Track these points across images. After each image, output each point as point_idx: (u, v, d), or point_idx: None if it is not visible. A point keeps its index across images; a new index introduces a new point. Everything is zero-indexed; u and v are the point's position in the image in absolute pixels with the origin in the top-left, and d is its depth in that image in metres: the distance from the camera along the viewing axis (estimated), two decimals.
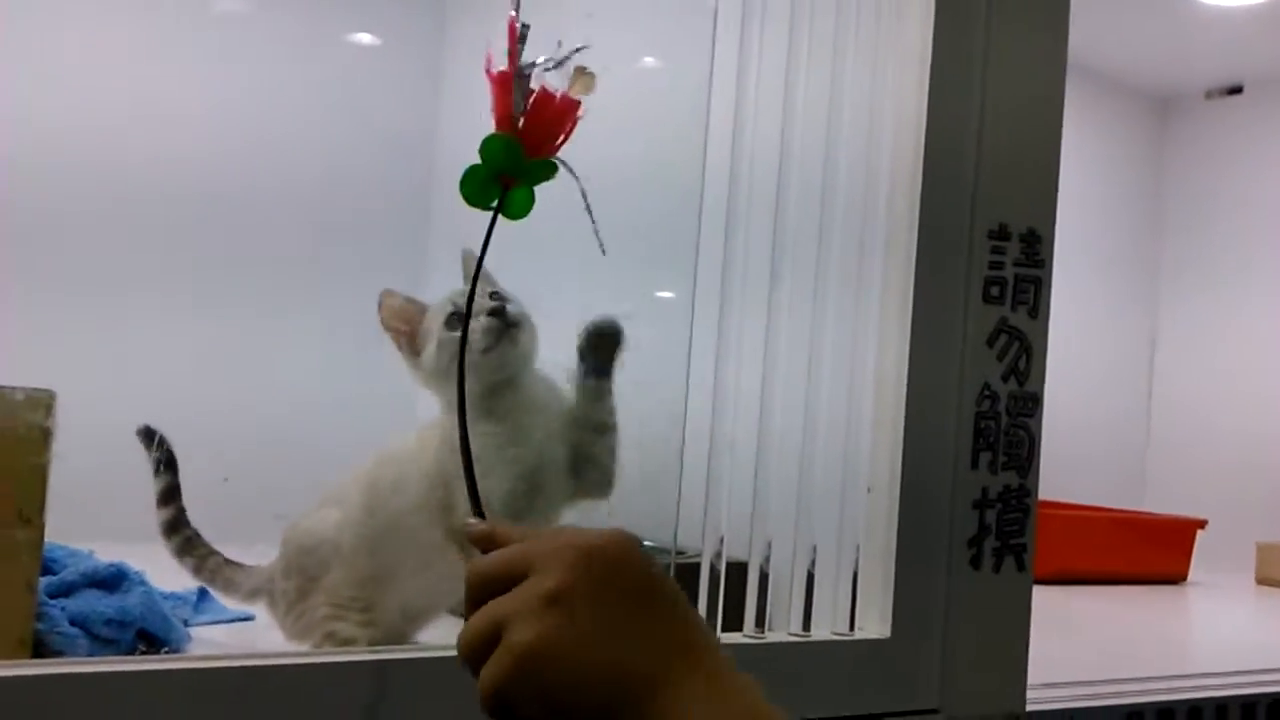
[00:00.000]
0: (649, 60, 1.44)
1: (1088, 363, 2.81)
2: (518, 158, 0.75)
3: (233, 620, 1.20)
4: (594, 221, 0.79)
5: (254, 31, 1.83)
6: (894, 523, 0.99)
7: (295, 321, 1.74)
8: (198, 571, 1.06)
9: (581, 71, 0.78)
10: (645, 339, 0.95)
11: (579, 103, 0.78)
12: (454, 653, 0.59)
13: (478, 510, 0.70)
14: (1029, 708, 1.07)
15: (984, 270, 1.03)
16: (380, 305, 0.97)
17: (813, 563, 0.98)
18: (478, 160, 0.75)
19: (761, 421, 0.96)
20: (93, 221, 1.66)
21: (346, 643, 0.92)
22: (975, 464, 1.03)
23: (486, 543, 0.63)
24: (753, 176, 0.95)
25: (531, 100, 0.76)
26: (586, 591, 0.56)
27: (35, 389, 0.88)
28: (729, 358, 0.95)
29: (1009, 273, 1.05)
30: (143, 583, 1.00)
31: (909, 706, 1.00)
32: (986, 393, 1.03)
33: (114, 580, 0.99)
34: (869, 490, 1.01)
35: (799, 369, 0.98)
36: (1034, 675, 1.08)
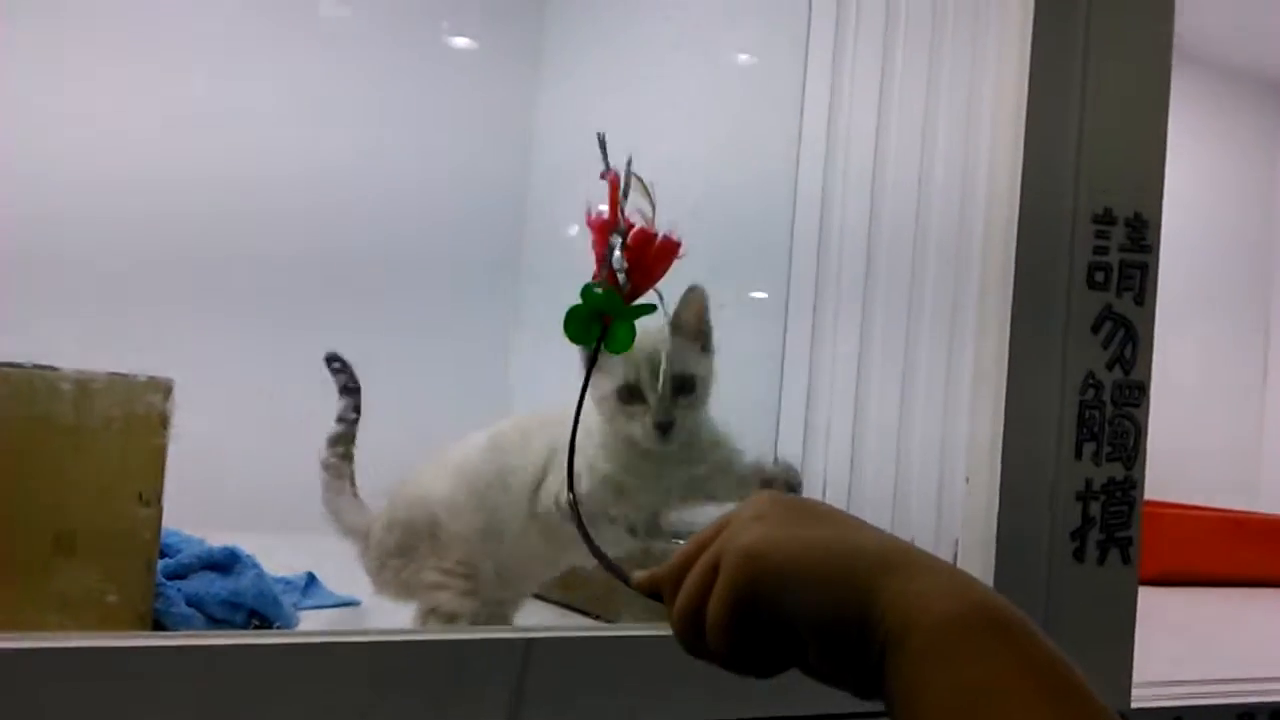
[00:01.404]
0: (743, 58, 1.43)
1: (1197, 355, 2.73)
2: (615, 302, 0.78)
3: (339, 605, 1.24)
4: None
5: (352, 37, 1.86)
6: (994, 514, 0.97)
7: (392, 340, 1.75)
8: (326, 489, 1.09)
9: (639, 181, 0.81)
10: (740, 333, 0.95)
11: (679, 244, 0.80)
12: (555, 633, 0.59)
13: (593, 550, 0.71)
14: (1134, 705, 1.05)
15: (1088, 255, 1.01)
16: None
17: None
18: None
19: (856, 412, 0.96)
20: (203, 230, 1.71)
21: (451, 617, 0.94)
22: (1079, 454, 1.00)
23: (652, 587, 0.64)
24: (848, 161, 0.94)
25: (632, 235, 0.78)
26: (783, 509, 0.58)
27: (154, 376, 0.91)
28: (824, 346, 0.94)
29: (1114, 258, 1.02)
30: (255, 566, 1.04)
31: None
32: (1090, 381, 1.01)
33: (227, 563, 1.02)
34: (967, 481, 1.00)
35: (895, 356, 0.97)
36: (1139, 674, 1.06)
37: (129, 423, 0.86)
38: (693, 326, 0.96)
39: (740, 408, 0.99)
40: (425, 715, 0.74)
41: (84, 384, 0.83)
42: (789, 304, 0.93)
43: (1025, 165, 0.98)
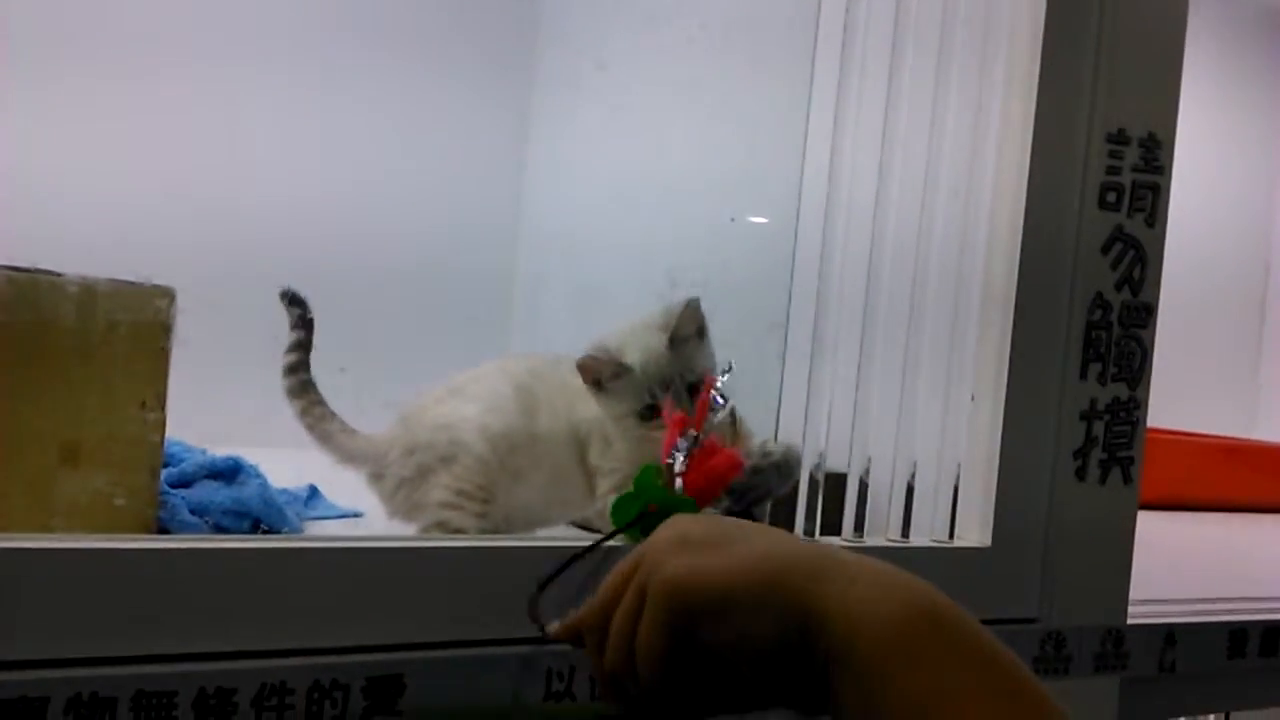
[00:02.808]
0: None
1: (1200, 279, 2.71)
2: (664, 493, 0.79)
3: (342, 516, 1.24)
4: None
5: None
6: (998, 432, 0.98)
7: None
8: (304, 416, 1.04)
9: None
10: (747, 239, 0.94)
11: (741, 464, 0.82)
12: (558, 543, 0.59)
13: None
14: (1129, 621, 1.06)
15: (1101, 175, 1.00)
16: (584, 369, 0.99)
17: (913, 475, 0.98)
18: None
19: (865, 328, 0.95)
20: None
21: (457, 531, 0.95)
22: (1084, 374, 1.00)
23: (573, 633, 0.63)
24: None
25: (703, 443, 0.80)
26: (704, 529, 0.56)
27: (154, 284, 0.91)
28: (833, 256, 0.93)
29: (1126, 179, 1.01)
30: (258, 475, 1.04)
31: (1007, 615, 1.00)
32: (1099, 302, 1.01)
33: (231, 472, 1.03)
34: (973, 399, 1.00)
35: (904, 271, 0.96)
36: (1135, 593, 1.07)
37: (132, 328, 0.86)
38: (694, 336, 0.98)
39: (745, 325, 0.99)
40: (436, 623, 0.74)
41: (87, 288, 0.82)
42: (799, 218, 0.92)
43: (1041, 82, 0.97)
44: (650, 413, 0.96)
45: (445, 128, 1.78)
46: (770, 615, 0.52)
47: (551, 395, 1.02)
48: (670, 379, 0.96)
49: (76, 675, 0.64)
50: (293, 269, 1.59)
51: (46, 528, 0.79)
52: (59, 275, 0.81)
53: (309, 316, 1.04)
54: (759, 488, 0.90)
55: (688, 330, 0.98)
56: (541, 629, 0.69)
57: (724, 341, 0.98)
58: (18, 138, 1.46)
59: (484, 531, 0.95)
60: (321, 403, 1.05)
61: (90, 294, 0.82)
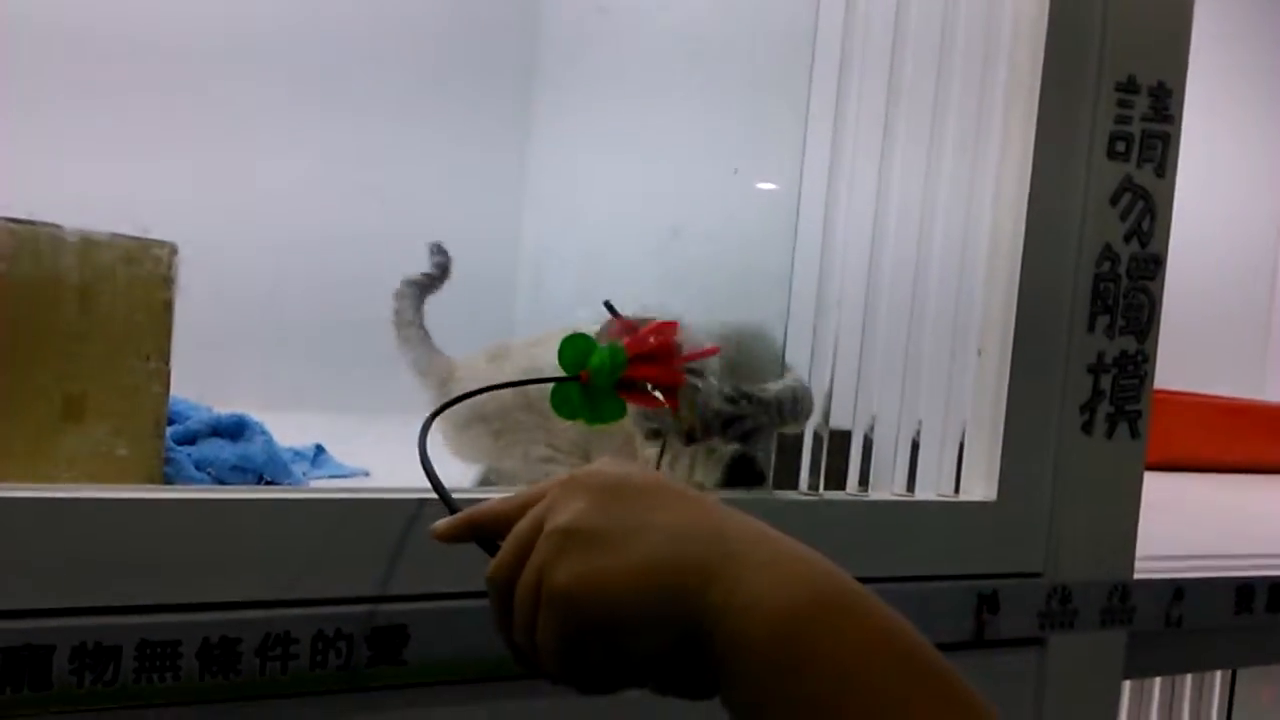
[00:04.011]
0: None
1: (1211, 237, 2.68)
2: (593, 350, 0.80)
3: (348, 475, 1.24)
4: None
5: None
6: (1004, 386, 0.97)
7: None
8: (400, 329, 1.10)
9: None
10: (752, 186, 0.93)
11: (679, 380, 0.81)
12: None
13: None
14: (1136, 576, 1.06)
15: (1109, 125, 0.98)
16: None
17: (918, 431, 0.97)
18: None
19: (870, 280, 0.95)
20: None
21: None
22: (1092, 327, 1.00)
23: (466, 531, 0.61)
24: (869, 20, 0.91)
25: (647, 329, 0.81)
26: (597, 509, 0.53)
27: (156, 239, 0.90)
28: (838, 213, 0.93)
29: (1136, 128, 1.00)
30: (264, 432, 1.04)
31: (1012, 570, 0.99)
32: (1107, 254, 1.00)
33: (236, 429, 1.03)
34: (979, 353, 0.99)
35: (910, 225, 0.95)
36: (1142, 549, 1.07)
37: (134, 281, 0.85)
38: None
39: (750, 277, 0.98)
40: (441, 574, 0.74)
41: (88, 239, 0.82)
42: (804, 157, 0.91)
43: (1049, 29, 0.95)
44: (656, 436, 0.91)
45: (451, 95, 1.77)
46: (658, 627, 0.51)
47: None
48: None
49: (81, 624, 0.64)
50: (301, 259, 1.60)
51: (51, 480, 0.79)
52: (59, 227, 0.80)
53: (447, 264, 1.13)
54: (747, 421, 0.88)
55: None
56: (432, 477, 0.67)
57: (729, 296, 0.98)
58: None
59: None
60: (418, 310, 1.11)
61: (91, 245, 0.82)
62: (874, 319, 0.95)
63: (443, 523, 0.62)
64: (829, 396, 0.94)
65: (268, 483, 1.02)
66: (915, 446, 0.97)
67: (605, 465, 0.57)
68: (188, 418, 1.07)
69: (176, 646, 0.66)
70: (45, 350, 0.79)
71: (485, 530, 0.60)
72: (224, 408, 1.11)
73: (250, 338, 1.62)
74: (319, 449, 1.28)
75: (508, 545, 0.56)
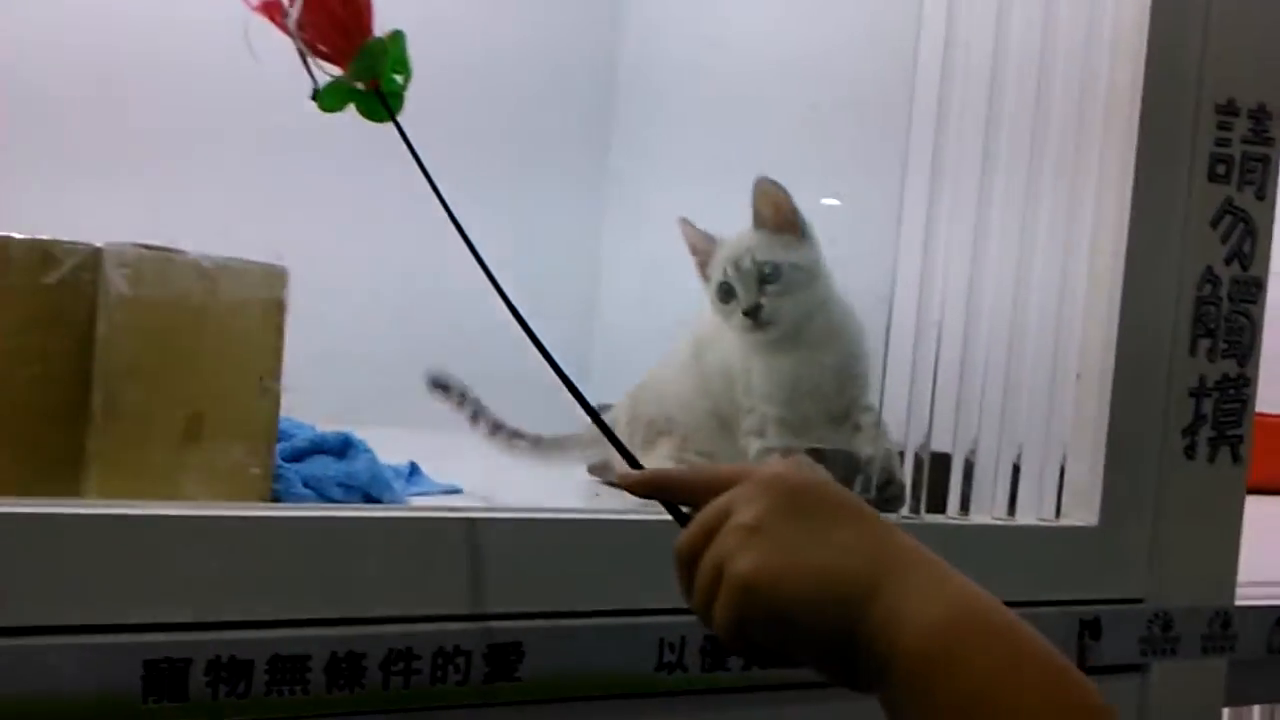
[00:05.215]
0: None
1: None
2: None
3: (443, 492, 1.26)
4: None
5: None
6: (1105, 410, 0.97)
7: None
8: (513, 442, 1.16)
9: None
10: (853, 219, 0.94)
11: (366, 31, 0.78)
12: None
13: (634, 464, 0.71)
14: (1238, 602, 1.05)
15: (1210, 147, 0.98)
16: (682, 233, 1.05)
17: (1019, 455, 0.97)
18: None
19: (970, 305, 0.95)
20: None
21: None
22: (1193, 350, 0.99)
23: (650, 488, 0.66)
24: (969, 50, 0.92)
25: None
26: (781, 514, 0.58)
27: (269, 264, 0.93)
28: (938, 237, 0.93)
29: (1236, 150, 0.99)
30: (367, 450, 1.06)
31: (1114, 595, 0.99)
32: (1208, 277, 0.99)
33: (341, 447, 1.05)
34: (1078, 377, 0.99)
35: (1010, 250, 0.96)
36: (1243, 575, 1.05)
37: (253, 305, 0.88)
38: (772, 218, 0.99)
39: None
40: (554, 592, 0.76)
41: (210, 265, 0.84)
42: (904, 186, 0.92)
43: (1149, 52, 0.95)
44: (725, 293, 0.99)
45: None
46: (822, 628, 0.56)
47: (716, 339, 1.05)
48: (740, 257, 0.97)
49: (217, 638, 0.66)
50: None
51: (175, 497, 0.82)
52: (183, 252, 0.83)
53: (465, 393, 1.20)
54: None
55: (765, 210, 0.98)
56: (613, 438, 0.72)
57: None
58: None
59: None
60: (522, 433, 1.16)
61: (216, 272, 0.85)
62: (975, 342, 0.95)
63: (633, 475, 0.67)
64: (930, 419, 0.94)
65: (371, 500, 1.04)
66: (1016, 470, 0.97)
67: (792, 469, 0.61)
68: (293, 435, 1.09)
69: (305, 661, 0.68)
70: (170, 371, 0.82)
71: (667, 493, 0.66)
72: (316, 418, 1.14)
73: (340, 355, 1.65)
74: (413, 466, 1.30)
75: (695, 525, 0.61)
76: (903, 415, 0.95)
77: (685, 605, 0.62)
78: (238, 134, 1.56)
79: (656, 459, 1.04)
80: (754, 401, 1.00)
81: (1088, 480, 0.98)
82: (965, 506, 0.96)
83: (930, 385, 0.94)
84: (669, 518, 0.75)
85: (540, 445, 1.15)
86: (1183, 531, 1.00)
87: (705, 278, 1.03)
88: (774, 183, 0.98)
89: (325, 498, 1.01)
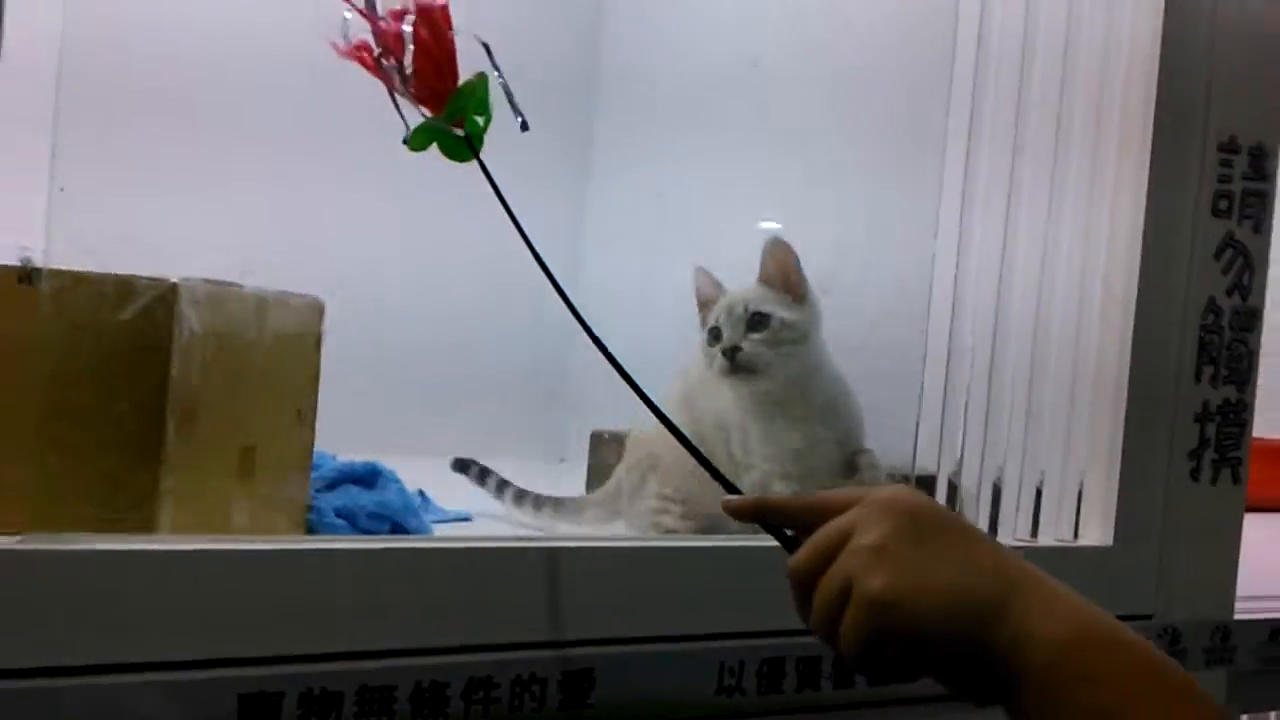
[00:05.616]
0: None
1: None
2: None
3: (453, 520, 1.27)
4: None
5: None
6: (1119, 436, 1.01)
7: None
8: (538, 508, 1.18)
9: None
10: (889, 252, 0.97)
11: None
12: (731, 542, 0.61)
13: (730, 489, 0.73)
14: (1237, 616, 1.09)
15: (1214, 183, 1.03)
16: (695, 281, 1.06)
17: (1042, 479, 1.01)
18: None
19: (996, 336, 0.99)
20: None
21: (669, 531, 0.98)
22: (1198, 378, 1.04)
23: (755, 513, 0.68)
24: (999, 81, 0.96)
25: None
26: (902, 536, 0.60)
27: (308, 296, 0.93)
28: (968, 273, 0.97)
29: (1236, 186, 1.05)
30: (395, 480, 1.06)
31: (1126, 612, 1.03)
32: (1211, 307, 1.04)
33: (370, 477, 1.05)
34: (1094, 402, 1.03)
35: (1031, 285, 1.00)
36: (1242, 588, 1.10)
37: (296, 337, 0.89)
38: (776, 276, 1.01)
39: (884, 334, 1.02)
40: (626, 618, 0.77)
41: (262, 299, 0.85)
42: (939, 221, 0.95)
43: (1159, 91, 1.00)
44: (713, 336, 1.00)
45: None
46: (954, 644, 0.58)
47: (704, 383, 1.06)
48: (735, 304, 0.99)
49: (307, 670, 0.66)
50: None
51: (226, 530, 0.82)
52: (241, 286, 0.83)
53: (486, 470, 1.25)
54: None
55: (770, 267, 1.00)
56: (706, 463, 0.73)
57: (857, 355, 1.01)
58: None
59: (696, 531, 0.99)
60: (546, 500, 1.18)
61: (264, 306, 0.85)
62: (1000, 371, 0.99)
63: (737, 500, 0.69)
64: (961, 447, 0.97)
65: (398, 530, 1.05)
66: (1039, 493, 1.00)
67: (905, 493, 0.63)
68: (320, 465, 1.09)
69: (392, 691, 0.68)
70: (229, 405, 0.82)
71: (771, 517, 0.68)
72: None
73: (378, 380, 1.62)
74: (422, 495, 1.30)
75: (810, 548, 0.62)
76: (925, 444, 0.99)
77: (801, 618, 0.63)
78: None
79: (646, 496, 1.06)
80: (754, 460, 1.01)
81: (1101, 502, 1.02)
82: (993, 529, 0.99)
83: (961, 419, 0.98)
84: (728, 544, 0.77)
85: (561, 508, 1.17)
86: (1188, 550, 1.05)
87: (703, 323, 1.04)
88: (784, 243, 1.01)
89: (357, 528, 1.01)
